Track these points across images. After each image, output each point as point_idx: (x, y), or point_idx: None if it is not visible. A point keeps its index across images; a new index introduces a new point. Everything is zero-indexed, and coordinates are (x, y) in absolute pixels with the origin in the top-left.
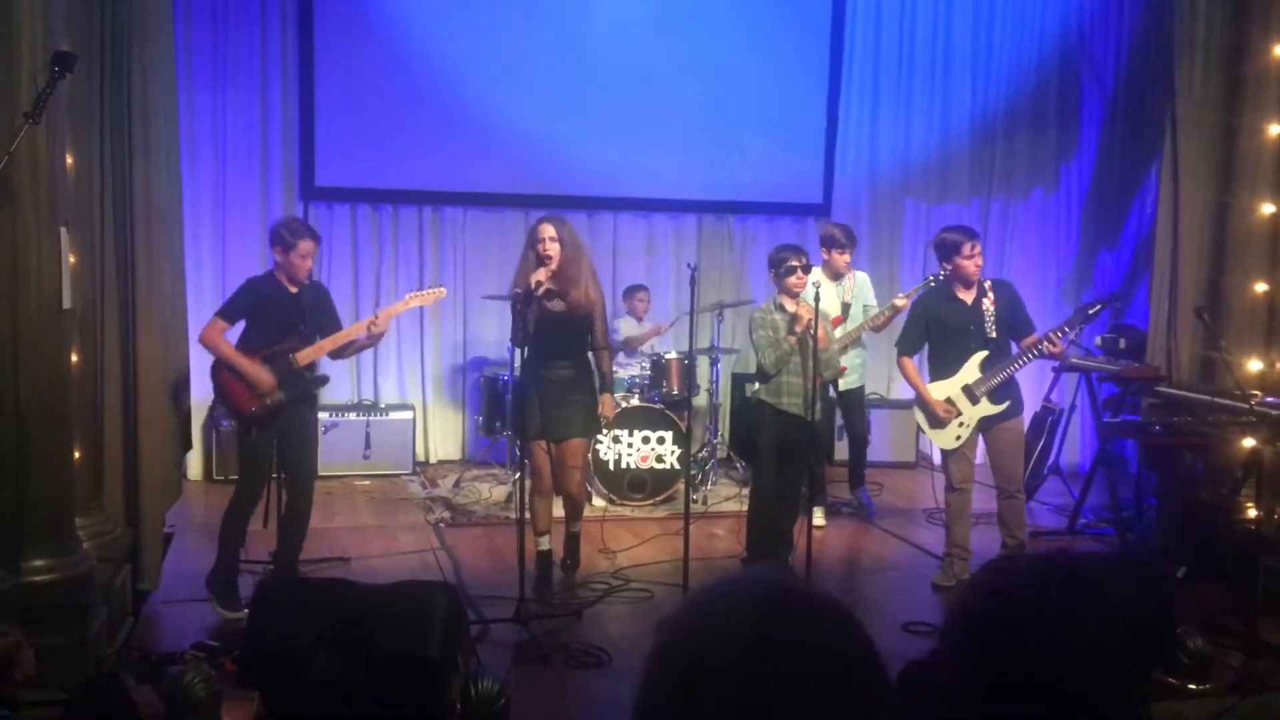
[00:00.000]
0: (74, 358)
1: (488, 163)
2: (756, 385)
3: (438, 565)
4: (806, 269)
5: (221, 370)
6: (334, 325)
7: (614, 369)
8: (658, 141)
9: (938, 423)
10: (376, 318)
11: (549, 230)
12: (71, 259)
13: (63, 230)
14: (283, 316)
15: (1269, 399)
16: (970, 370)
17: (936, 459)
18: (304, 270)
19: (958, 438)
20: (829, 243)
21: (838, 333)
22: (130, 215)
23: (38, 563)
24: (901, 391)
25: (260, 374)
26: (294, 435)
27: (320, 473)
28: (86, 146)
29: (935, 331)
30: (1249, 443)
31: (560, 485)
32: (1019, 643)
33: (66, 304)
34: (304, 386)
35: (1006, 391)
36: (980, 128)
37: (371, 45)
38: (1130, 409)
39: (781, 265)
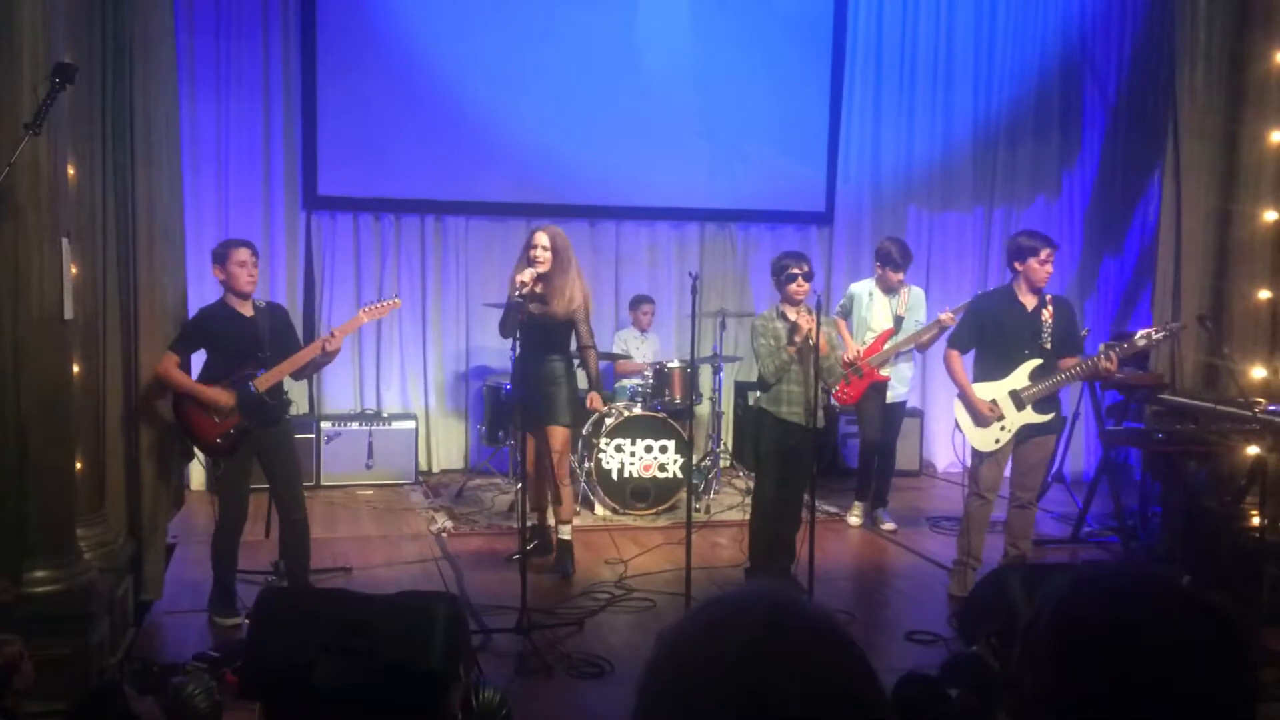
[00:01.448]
0: (75, 368)
1: (490, 172)
2: (759, 393)
3: (440, 575)
4: (808, 276)
5: (183, 404)
6: (295, 347)
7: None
8: (660, 150)
9: (981, 422)
10: (332, 335)
11: (542, 239)
12: (73, 270)
13: (64, 241)
14: (239, 342)
15: (1272, 406)
16: (1020, 376)
17: (941, 467)
18: (244, 280)
19: (997, 440)
20: (884, 259)
21: (887, 345)
22: (132, 226)
23: (39, 573)
24: (908, 398)
25: (218, 395)
26: (274, 459)
27: (323, 482)
28: (88, 158)
29: (992, 332)
30: (1253, 450)
31: (543, 472)
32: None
33: (68, 314)
34: (268, 411)
35: (1051, 403)
36: (982, 135)
37: (374, 55)
38: (1134, 417)
39: (783, 273)
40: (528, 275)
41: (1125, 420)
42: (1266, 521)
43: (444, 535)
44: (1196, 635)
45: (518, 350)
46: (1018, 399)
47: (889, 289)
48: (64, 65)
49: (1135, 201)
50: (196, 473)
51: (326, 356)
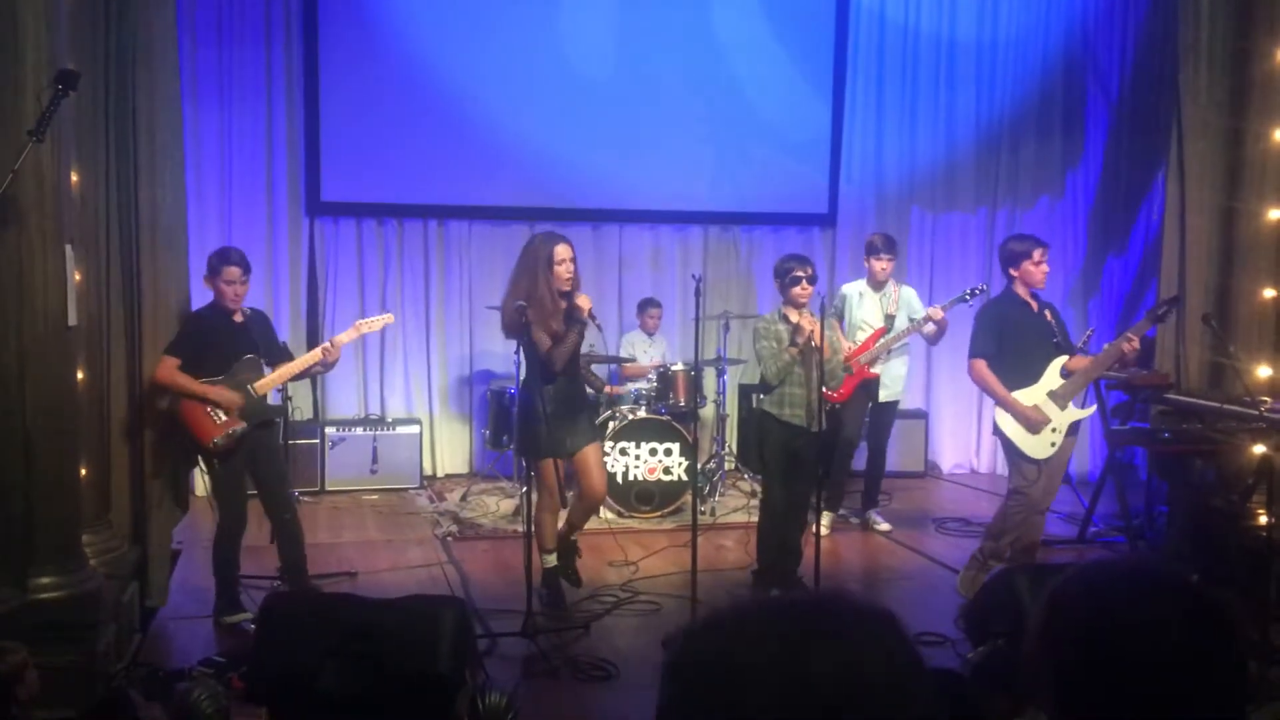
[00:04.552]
0: (80, 375)
1: (492, 176)
2: (761, 396)
3: (445, 579)
4: (812, 279)
5: (182, 405)
6: (280, 352)
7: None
8: (663, 153)
9: (1033, 429)
10: (332, 344)
11: (570, 252)
12: (77, 276)
13: (68, 247)
14: (228, 347)
15: (1279, 404)
16: (1052, 376)
17: (946, 468)
18: (230, 297)
19: (1052, 444)
20: (868, 250)
21: (879, 343)
22: (136, 232)
23: (45, 580)
24: (911, 401)
25: (226, 394)
26: (264, 462)
27: (328, 488)
28: (91, 164)
29: (1013, 337)
30: (1259, 449)
31: (591, 495)
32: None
33: (72, 321)
34: (265, 414)
35: (1082, 398)
36: (986, 136)
37: (376, 61)
38: (1139, 416)
39: (787, 275)
40: (585, 301)
41: (1131, 420)
42: (1274, 520)
43: (449, 539)
44: (1184, 627)
45: (527, 373)
46: (1057, 398)
47: (878, 284)
48: (67, 72)
49: (1139, 201)
50: (201, 478)
51: (326, 366)
